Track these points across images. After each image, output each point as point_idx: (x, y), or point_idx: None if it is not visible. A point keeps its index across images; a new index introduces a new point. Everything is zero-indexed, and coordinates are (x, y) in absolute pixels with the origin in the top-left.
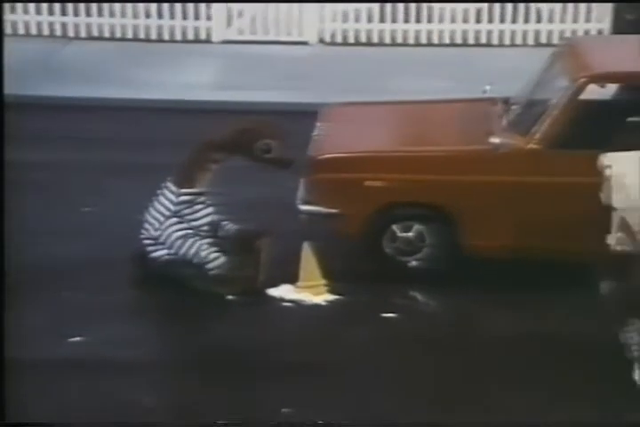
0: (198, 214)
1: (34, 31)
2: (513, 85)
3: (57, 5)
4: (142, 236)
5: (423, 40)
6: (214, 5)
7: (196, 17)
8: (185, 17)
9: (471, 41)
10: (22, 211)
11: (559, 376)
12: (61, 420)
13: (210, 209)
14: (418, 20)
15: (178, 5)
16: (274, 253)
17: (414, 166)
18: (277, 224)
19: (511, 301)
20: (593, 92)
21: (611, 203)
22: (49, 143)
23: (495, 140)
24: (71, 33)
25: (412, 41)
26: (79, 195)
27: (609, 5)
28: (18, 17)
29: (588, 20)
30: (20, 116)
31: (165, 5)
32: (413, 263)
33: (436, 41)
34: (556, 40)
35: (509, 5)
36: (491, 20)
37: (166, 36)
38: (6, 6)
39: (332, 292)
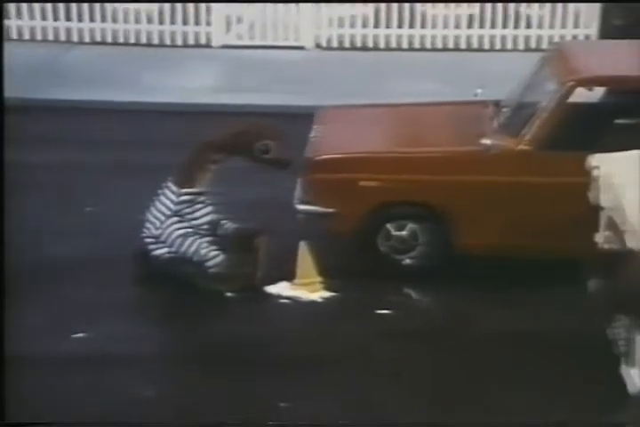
0: (198, 214)
1: (39, 36)
2: (503, 88)
3: (61, 11)
4: (144, 234)
5: (416, 45)
6: (214, 11)
7: (197, 22)
8: (186, 22)
9: (463, 46)
10: (28, 211)
11: (549, 372)
12: (62, 416)
13: (209, 208)
14: (411, 26)
15: (179, 11)
16: (271, 251)
17: (408, 167)
18: (275, 223)
19: (502, 298)
20: (581, 96)
21: (599, 202)
22: (54, 145)
23: (486, 141)
24: (75, 38)
25: (405, 45)
26: (83, 195)
27: (596, 11)
28: (24, 22)
29: (576, 25)
30: (26, 118)
31: (167, 11)
32: (407, 261)
33: (429, 45)
34: (545, 45)
35: (500, 11)
36: (482, 26)
37: (167, 41)
38: (12, 12)
39: (327, 289)
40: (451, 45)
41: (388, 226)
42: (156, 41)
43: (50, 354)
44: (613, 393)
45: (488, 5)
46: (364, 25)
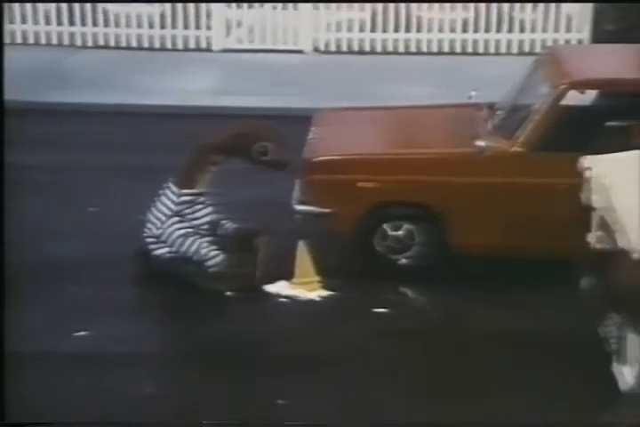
0: (198, 214)
1: (43, 40)
2: (498, 91)
3: (65, 15)
4: (145, 234)
5: (413, 49)
6: (214, 16)
7: (197, 27)
8: (186, 27)
9: (458, 49)
10: (32, 211)
11: (545, 370)
12: (62, 416)
13: (209, 209)
14: (407, 30)
15: (180, 16)
16: (270, 251)
17: (404, 168)
18: (274, 223)
19: (497, 297)
20: (573, 98)
21: (591, 203)
22: (57, 147)
23: (481, 143)
24: (78, 42)
25: (402, 49)
26: (86, 196)
27: (588, 16)
28: (28, 27)
29: (568, 30)
30: (30, 121)
31: (168, 16)
32: (403, 261)
33: (424, 49)
34: (538, 49)
35: (494, 16)
36: (477, 30)
37: (169, 45)
38: (17, 16)
39: (325, 288)
40: (446, 49)
41: (385, 226)
42: (157, 45)
43: (50, 354)
44: (608, 392)
45: (483, 10)
46: (361, 29)
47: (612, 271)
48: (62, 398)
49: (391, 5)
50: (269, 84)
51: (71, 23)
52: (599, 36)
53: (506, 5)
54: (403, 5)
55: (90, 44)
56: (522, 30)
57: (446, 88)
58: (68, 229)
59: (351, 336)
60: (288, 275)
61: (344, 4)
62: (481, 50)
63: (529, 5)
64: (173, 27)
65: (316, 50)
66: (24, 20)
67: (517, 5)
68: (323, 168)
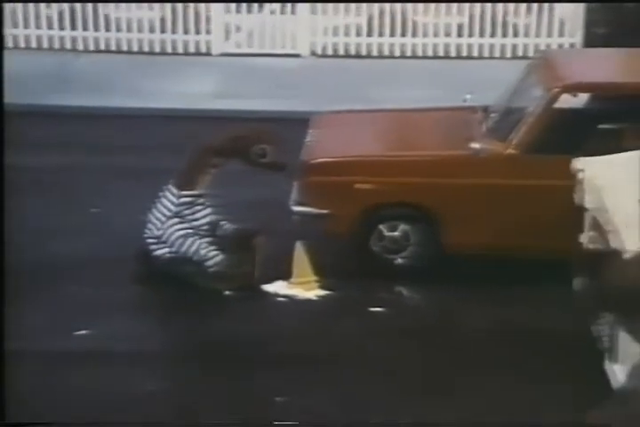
0: (198, 215)
1: (46, 45)
2: (492, 95)
3: (67, 20)
4: (145, 235)
5: (408, 53)
6: (214, 21)
7: (197, 31)
8: (186, 31)
9: (453, 53)
10: (38, 212)
11: (538, 366)
12: (62, 416)
13: (209, 210)
14: (403, 35)
15: (180, 20)
16: (269, 251)
17: (400, 170)
18: (272, 224)
19: (490, 296)
20: (566, 101)
21: (583, 204)
22: (60, 149)
23: (475, 145)
24: (81, 46)
25: (397, 54)
26: (88, 197)
27: (581, 21)
28: (31, 31)
29: (561, 34)
30: (35, 123)
31: (168, 20)
32: (399, 261)
33: (420, 53)
34: (531, 53)
35: (488, 20)
36: (471, 35)
37: (169, 49)
38: (20, 21)
39: (322, 287)
40: (441, 53)
41: (381, 227)
42: (158, 49)
43: (51, 353)
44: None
45: (477, 15)
46: (358, 33)
47: (605, 271)
48: (62, 398)
49: (387, 10)
50: (268, 88)
51: (73, 28)
52: (591, 40)
53: (500, 10)
54: (399, 10)
55: (92, 48)
56: (515, 35)
57: (442, 91)
58: (72, 229)
59: (348, 334)
60: (286, 275)
61: (341, 9)
62: (475, 54)
63: (523, 10)
64: (174, 31)
65: (314, 54)
66: (27, 25)
67: (511, 10)
68: (320, 170)
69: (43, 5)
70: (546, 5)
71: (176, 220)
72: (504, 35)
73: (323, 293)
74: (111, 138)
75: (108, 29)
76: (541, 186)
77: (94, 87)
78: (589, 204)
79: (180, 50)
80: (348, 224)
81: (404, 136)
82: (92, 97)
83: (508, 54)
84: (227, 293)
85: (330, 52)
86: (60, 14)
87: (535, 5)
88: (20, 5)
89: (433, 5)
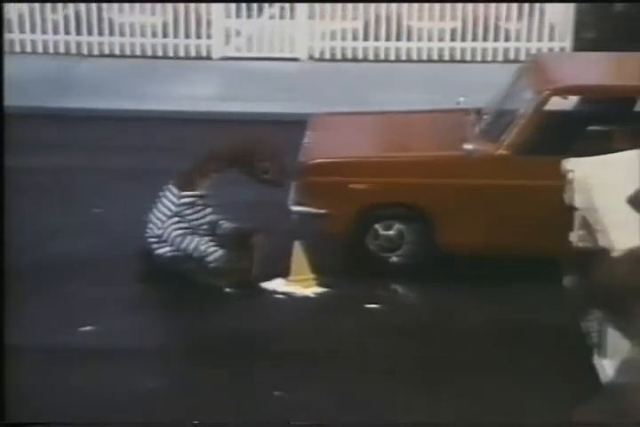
0: (198, 215)
1: (51, 49)
2: (484, 97)
3: (72, 25)
4: (147, 234)
5: (403, 57)
6: (214, 25)
7: (198, 36)
8: (188, 36)
9: (447, 57)
10: (42, 211)
11: (531, 361)
12: (62, 416)
13: (209, 210)
14: (398, 39)
15: (181, 25)
16: (267, 249)
17: (395, 170)
18: (271, 223)
19: (482, 293)
20: (556, 104)
21: (573, 203)
22: (66, 151)
23: (468, 146)
24: (85, 51)
25: (393, 57)
26: (91, 197)
27: (570, 25)
28: (37, 36)
29: (551, 38)
30: (40, 126)
31: (170, 25)
32: (394, 259)
33: (415, 57)
34: (522, 57)
35: (481, 25)
36: (464, 39)
37: (171, 53)
38: (26, 26)
39: (320, 285)
40: (435, 57)
41: (377, 226)
42: (160, 53)
43: (50, 353)
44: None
45: (470, 19)
46: (355, 38)
47: (594, 269)
48: (62, 398)
49: (383, 15)
50: (267, 91)
51: (78, 33)
52: (581, 44)
53: (492, 15)
54: (394, 15)
55: (96, 52)
56: (507, 39)
57: (435, 94)
58: (75, 229)
59: (344, 331)
60: (284, 273)
61: (338, 14)
62: (468, 58)
63: (514, 15)
64: (175, 36)
65: (312, 58)
66: (33, 30)
67: (503, 15)
68: (317, 171)
69: (49, 10)
70: (537, 11)
71: (176, 219)
72: (496, 39)
73: (320, 290)
74: (115, 140)
75: (112, 34)
76: (532, 186)
77: (97, 90)
78: (579, 203)
79: (182, 54)
80: (344, 223)
81: (399, 137)
82: (95, 100)
83: (500, 58)
84: (226, 290)
85: (327, 56)
86: (66, 19)
87: (526, 11)
88: (27, 11)
89: (427, 10)
